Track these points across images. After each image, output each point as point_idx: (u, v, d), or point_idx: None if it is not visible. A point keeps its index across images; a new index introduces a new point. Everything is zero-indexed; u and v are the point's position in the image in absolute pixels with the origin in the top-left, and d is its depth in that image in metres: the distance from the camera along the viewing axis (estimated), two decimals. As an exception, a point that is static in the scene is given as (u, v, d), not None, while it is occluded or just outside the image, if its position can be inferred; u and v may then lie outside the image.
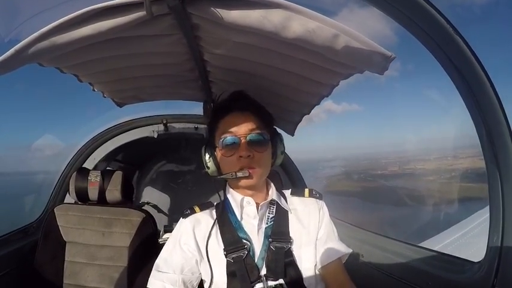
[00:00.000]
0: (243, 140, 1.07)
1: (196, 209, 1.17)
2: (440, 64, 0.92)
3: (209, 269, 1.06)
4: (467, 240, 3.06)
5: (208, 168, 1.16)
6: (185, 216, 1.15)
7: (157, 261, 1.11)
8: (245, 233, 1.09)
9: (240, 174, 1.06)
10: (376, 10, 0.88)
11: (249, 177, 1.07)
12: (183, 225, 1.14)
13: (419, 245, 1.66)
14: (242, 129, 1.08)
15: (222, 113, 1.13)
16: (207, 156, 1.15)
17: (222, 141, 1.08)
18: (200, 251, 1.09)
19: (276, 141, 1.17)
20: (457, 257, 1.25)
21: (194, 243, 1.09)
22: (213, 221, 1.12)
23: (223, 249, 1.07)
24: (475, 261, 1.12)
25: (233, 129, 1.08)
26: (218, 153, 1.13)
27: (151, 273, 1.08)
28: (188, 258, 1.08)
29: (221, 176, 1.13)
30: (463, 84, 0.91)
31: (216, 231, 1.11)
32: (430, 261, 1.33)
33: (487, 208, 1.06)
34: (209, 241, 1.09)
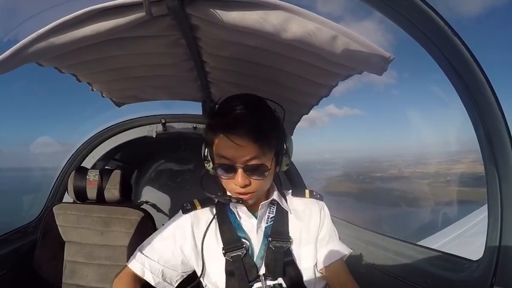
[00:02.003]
0: (239, 169, 0.97)
1: (197, 204, 1.16)
2: (439, 65, 0.92)
3: (207, 268, 1.07)
4: (466, 238, 3.08)
5: (208, 171, 1.10)
6: (185, 211, 1.14)
7: (144, 243, 1.10)
8: (244, 232, 1.09)
9: (234, 200, 1.04)
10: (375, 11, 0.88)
11: (243, 202, 1.04)
12: (182, 219, 1.13)
13: (418, 243, 1.67)
14: (239, 158, 0.97)
15: (221, 128, 0.98)
16: (206, 159, 1.07)
17: (218, 165, 1.01)
18: (197, 249, 1.09)
19: (280, 155, 1.06)
20: (456, 256, 1.26)
21: (191, 241, 1.09)
22: (213, 219, 1.12)
23: (222, 247, 1.07)
24: (474, 259, 1.13)
25: (230, 156, 0.97)
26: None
27: (134, 253, 1.08)
28: (176, 255, 1.08)
29: (216, 198, 1.10)
30: (461, 84, 0.91)
31: (215, 230, 1.10)
32: (429, 259, 1.33)
33: (485, 207, 1.07)
34: (208, 239, 1.09)
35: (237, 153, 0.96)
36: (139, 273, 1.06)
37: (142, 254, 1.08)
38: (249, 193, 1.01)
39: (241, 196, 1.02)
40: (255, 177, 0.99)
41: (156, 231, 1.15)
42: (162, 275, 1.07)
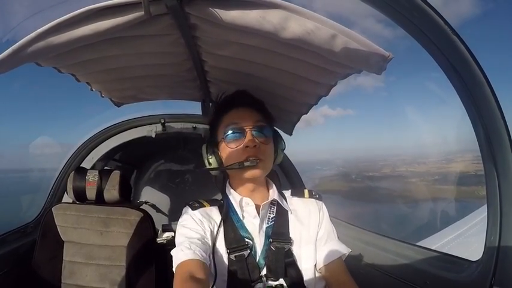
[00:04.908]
0: (248, 131, 1.09)
1: (205, 203, 1.16)
2: (438, 63, 0.92)
3: (210, 266, 1.05)
4: (465, 239, 3.07)
5: (210, 164, 1.16)
6: (194, 208, 1.12)
7: (176, 238, 1.05)
8: (247, 232, 1.10)
9: (247, 164, 1.05)
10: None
11: (256, 166, 1.06)
12: (192, 213, 1.10)
13: (418, 244, 1.67)
14: (247, 121, 1.10)
15: (225, 108, 1.15)
16: (209, 153, 1.16)
17: (227, 133, 1.09)
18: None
19: (276, 138, 1.19)
20: (455, 256, 1.25)
21: (203, 231, 1.06)
22: (219, 218, 1.12)
23: (226, 247, 1.07)
24: (473, 260, 1.12)
25: (238, 121, 1.10)
26: (222, 147, 1.13)
27: (174, 255, 0.97)
28: (206, 230, 1.06)
29: (227, 168, 1.11)
30: (460, 83, 0.91)
31: (220, 229, 1.10)
32: (428, 260, 1.33)
33: (484, 207, 1.06)
34: (213, 238, 1.08)
35: (244, 119, 1.11)
36: (195, 257, 0.94)
37: (182, 245, 0.98)
38: (259, 158, 1.07)
39: (252, 158, 1.06)
40: (262, 140, 1.08)
41: (176, 232, 1.08)
42: (201, 241, 1.01)
